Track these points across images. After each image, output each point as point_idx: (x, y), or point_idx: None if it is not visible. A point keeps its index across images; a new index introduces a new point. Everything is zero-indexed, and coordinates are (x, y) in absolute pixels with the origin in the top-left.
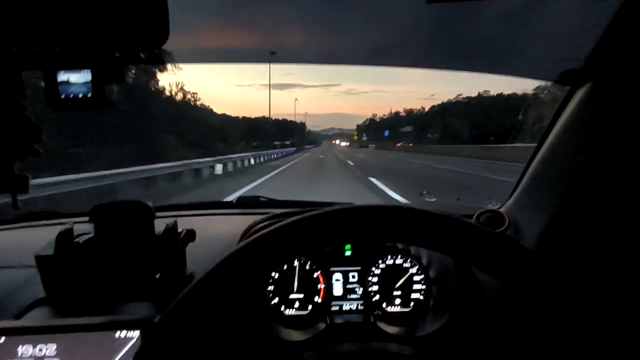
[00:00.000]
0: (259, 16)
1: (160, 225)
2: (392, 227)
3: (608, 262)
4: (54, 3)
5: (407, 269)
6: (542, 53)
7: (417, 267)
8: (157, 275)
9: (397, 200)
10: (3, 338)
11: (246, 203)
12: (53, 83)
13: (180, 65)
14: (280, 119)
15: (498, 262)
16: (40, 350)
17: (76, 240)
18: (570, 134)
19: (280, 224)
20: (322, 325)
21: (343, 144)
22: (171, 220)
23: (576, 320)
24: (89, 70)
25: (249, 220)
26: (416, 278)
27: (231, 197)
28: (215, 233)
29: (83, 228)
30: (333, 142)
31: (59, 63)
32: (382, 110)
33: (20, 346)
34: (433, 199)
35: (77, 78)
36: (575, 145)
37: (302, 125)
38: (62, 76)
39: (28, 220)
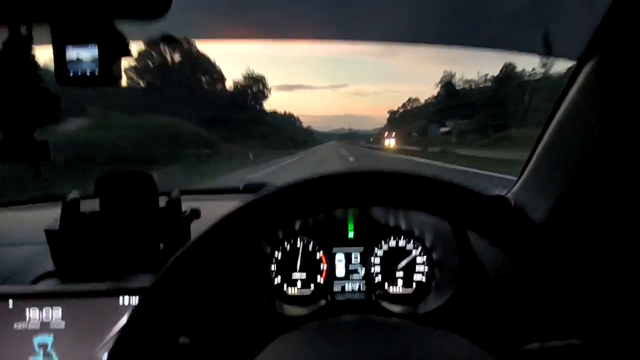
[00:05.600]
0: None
1: (171, 197)
2: (391, 191)
3: (614, 247)
4: None
5: (410, 251)
6: (550, 28)
7: (420, 248)
8: (161, 246)
9: None
10: (11, 301)
11: (253, 189)
12: (62, 60)
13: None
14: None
15: (495, 224)
16: (47, 314)
17: (82, 211)
18: (577, 113)
19: (272, 188)
20: (323, 302)
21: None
22: (175, 194)
23: (576, 290)
24: (96, 47)
25: None
26: (419, 260)
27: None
28: (221, 214)
29: (92, 205)
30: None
31: (66, 38)
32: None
33: (28, 309)
34: None
35: (85, 55)
36: (581, 127)
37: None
38: (71, 54)
39: (43, 201)
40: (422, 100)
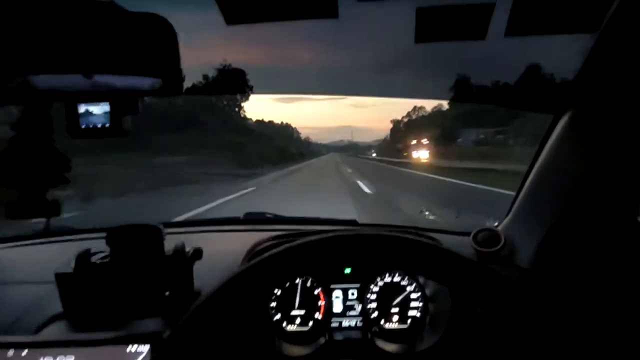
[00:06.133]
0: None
1: (170, 243)
2: (386, 255)
3: (602, 279)
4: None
5: (404, 287)
6: (525, 84)
7: (414, 284)
8: (167, 293)
9: None
10: (26, 351)
11: (253, 219)
12: (74, 114)
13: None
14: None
15: (481, 291)
16: None
17: (93, 260)
18: (559, 156)
19: (282, 247)
20: (322, 341)
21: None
22: (180, 241)
23: (558, 342)
24: (108, 104)
25: (255, 237)
26: (413, 296)
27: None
28: (222, 250)
29: (99, 246)
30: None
31: (80, 96)
32: (390, 123)
33: (42, 358)
34: (432, 217)
35: (97, 110)
36: (564, 167)
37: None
38: (83, 108)
39: (46, 237)
40: (429, 109)
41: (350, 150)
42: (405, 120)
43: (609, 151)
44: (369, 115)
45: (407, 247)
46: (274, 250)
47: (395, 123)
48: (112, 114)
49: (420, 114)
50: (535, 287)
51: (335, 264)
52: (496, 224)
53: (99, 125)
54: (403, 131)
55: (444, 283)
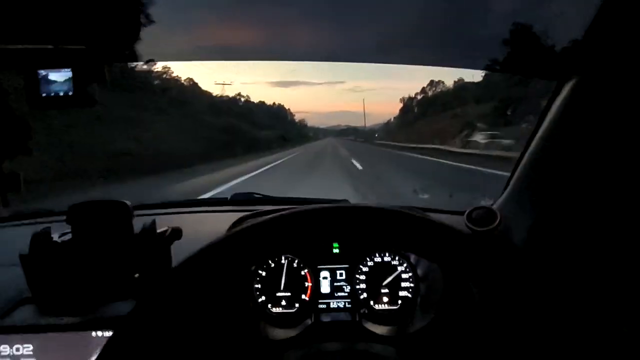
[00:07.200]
0: (262, 13)
1: (145, 224)
2: (375, 229)
3: (596, 258)
4: (38, 5)
5: (395, 267)
6: (530, 48)
7: (405, 264)
8: (136, 275)
9: None
10: None
11: (240, 200)
12: (34, 82)
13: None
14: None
15: (474, 268)
16: (17, 350)
17: (55, 240)
18: (559, 129)
19: (265, 217)
20: (308, 322)
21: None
22: (148, 219)
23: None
24: (70, 71)
25: None
26: (404, 276)
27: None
28: (206, 231)
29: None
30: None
31: (39, 62)
32: (390, 107)
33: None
34: (425, 196)
35: (58, 76)
36: (563, 141)
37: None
38: (43, 75)
39: (16, 219)
40: (449, 83)
41: (350, 135)
42: (420, 97)
43: (617, 121)
44: (368, 99)
45: (397, 220)
46: (257, 219)
47: (407, 101)
48: (74, 81)
49: (439, 89)
50: (530, 265)
51: (321, 237)
52: (491, 202)
53: (62, 94)
54: (417, 112)
55: (436, 259)
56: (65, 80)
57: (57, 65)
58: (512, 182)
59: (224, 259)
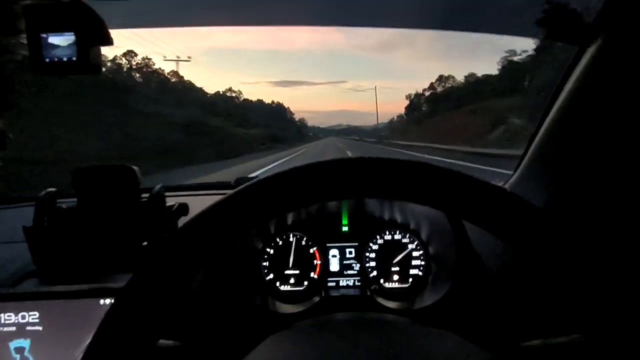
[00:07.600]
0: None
1: (153, 191)
2: (394, 182)
3: (612, 239)
4: None
5: (405, 245)
6: (548, 10)
7: (416, 242)
8: (145, 243)
9: None
10: None
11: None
12: (37, 45)
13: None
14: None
15: (501, 220)
16: (23, 317)
17: (58, 205)
18: (579, 99)
19: (273, 173)
20: (317, 299)
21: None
22: (158, 185)
23: (579, 281)
24: (73, 35)
25: None
26: (415, 254)
27: None
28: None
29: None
30: None
31: (42, 25)
32: (393, 106)
33: (3, 314)
34: None
35: (62, 41)
36: (580, 116)
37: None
38: (46, 40)
39: (30, 201)
40: (460, 78)
41: (353, 134)
42: (428, 93)
43: (633, 99)
44: (366, 99)
45: (418, 171)
46: (264, 176)
47: (414, 98)
48: (78, 45)
49: (450, 84)
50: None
51: (333, 193)
52: (502, 183)
53: (65, 59)
54: (426, 109)
55: (459, 213)
56: (69, 45)
57: (61, 29)
58: (525, 159)
59: (228, 218)
